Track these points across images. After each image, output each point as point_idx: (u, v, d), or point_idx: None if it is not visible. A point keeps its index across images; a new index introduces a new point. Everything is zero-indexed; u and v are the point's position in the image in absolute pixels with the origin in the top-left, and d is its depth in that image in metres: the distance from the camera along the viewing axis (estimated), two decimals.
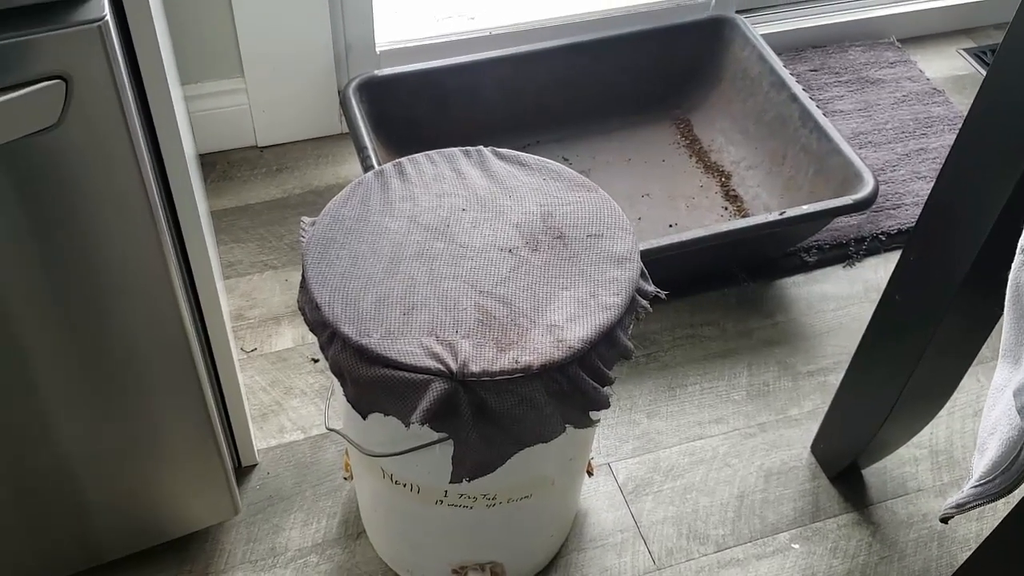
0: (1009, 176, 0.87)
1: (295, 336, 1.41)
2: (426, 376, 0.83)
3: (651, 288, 0.97)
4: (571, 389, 0.87)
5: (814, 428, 1.33)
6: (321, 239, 0.95)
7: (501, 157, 1.05)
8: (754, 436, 1.34)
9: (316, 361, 1.38)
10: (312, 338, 1.40)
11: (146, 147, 0.81)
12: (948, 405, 1.37)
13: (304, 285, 0.92)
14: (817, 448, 1.31)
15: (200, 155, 1.65)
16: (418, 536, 1.09)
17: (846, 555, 1.21)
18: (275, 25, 1.54)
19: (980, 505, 0.77)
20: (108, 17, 0.68)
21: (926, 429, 1.33)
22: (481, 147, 1.05)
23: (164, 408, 0.98)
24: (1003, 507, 1.24)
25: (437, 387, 0.83)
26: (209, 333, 1.06)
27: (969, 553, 1.22)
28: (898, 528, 1.24)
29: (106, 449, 0.99)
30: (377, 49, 1.67)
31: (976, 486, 0.77)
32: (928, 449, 1.33)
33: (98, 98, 0.71)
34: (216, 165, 1.65)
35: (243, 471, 1.25)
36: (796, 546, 1.22)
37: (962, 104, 1.86)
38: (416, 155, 1.04)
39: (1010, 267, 0.75)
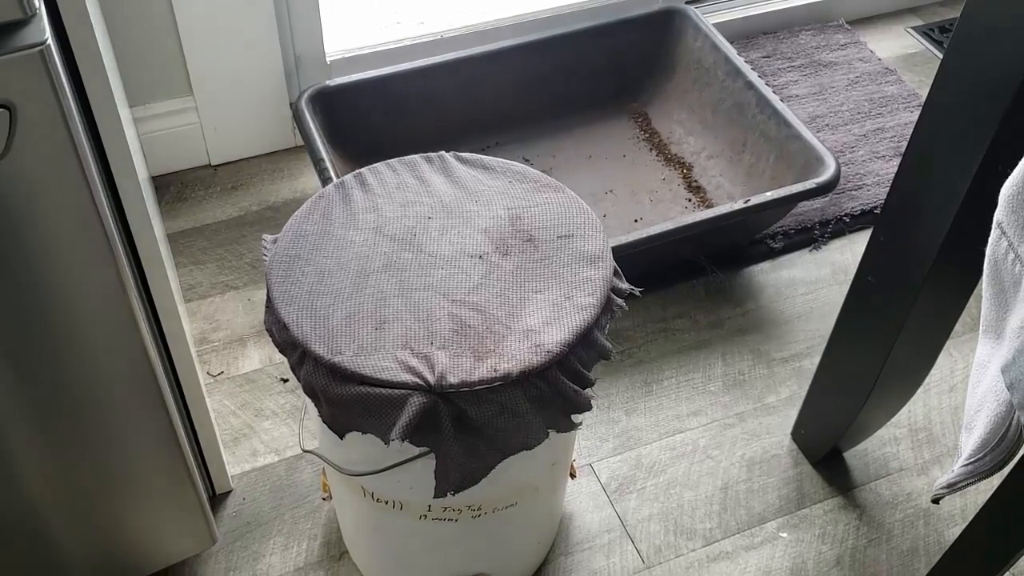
0: (973, 153, 0.87)
1: (262, 357, 1.38)
2: (403, 391, 0.81)
3: (625, 286, 0.95)
4: (552, 394, 0.85)
5: (793, 414, 1.33)
6: (285, 256, 0.92)
7: (464, 161, 1.03)
8: (733, 426, 1.33)
9: (286, 381, 1.35)
10: (280, 358, 1.37)
11: (98, 173, 0.78)
12: (923, 382, 1.38)
13: (270, 305, 0.89)
14: (798, 434, 1.31)
15: (153, 177, 1.61)
16: (403, 552, 1.07)
17: (834, 540, 1.21)
18: (222, 41, 1.51)
19: (972, 483, 0.77)
20: (50, 41, 0.65)
21: (903, 408, 1.33)
22: (443, 152, 1.03)
23: (132, 440, 0.95)
24: (986, 483, 1.24)
25: (415, 401, 0.80)
26: (174, 359, 1.03)
27: (955, 529, 1.22)
28: (884, 509, 1.24)
29: (75, 488, 0.95)
30: (327, 59, 1.64)
31: (966, 464, 0.76)
32: (907, 428, 1.33)
33: (45, 126, 0.68)
34: (170, 186, 1.61)
35: (218, 499, 1.22)
36: (784, 534, 1.21)
37: (914, 82, 1.88)
38: (377, 164, 1.02)
39: (982, 242, 0.74)
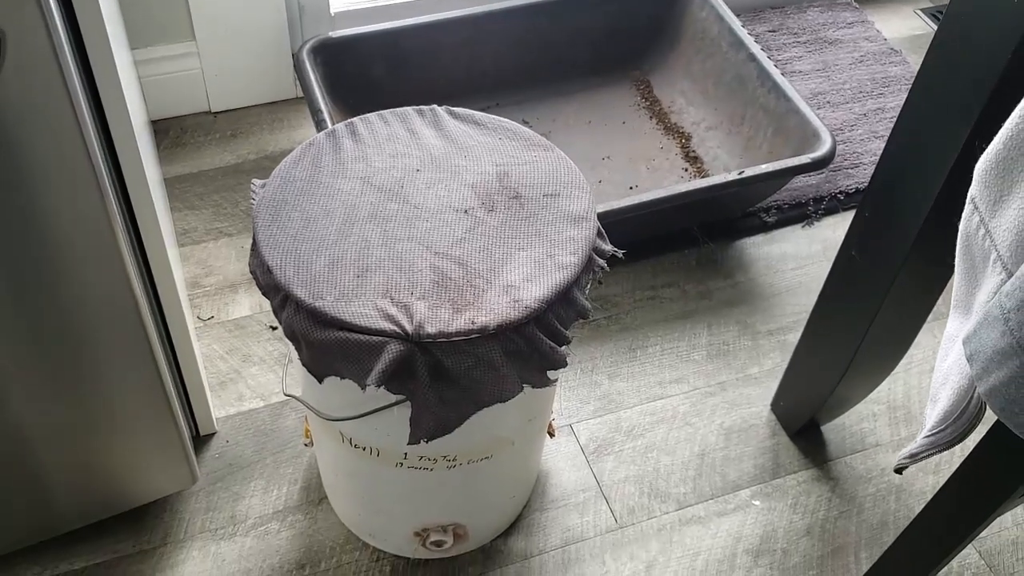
0: (959, 131, 0.88)
1: (252, 304, 1.39)
2: (381, 338, 0.82)
3: (608, 247, 0.96)
4: (528, 349, 0.86)
5: (774, 386, 1.34)
6: (272, 201, 0.93)
7: (456, 116, 1.04)
8: (714, 395, 1.34)
9: (274, 328, 1.37)
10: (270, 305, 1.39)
11: (89, 109, 0.79)
12: (905, 361, 1.39)
13: (255, 248, 0.90)
14: (777, 406, 1.32)
15: (152, 121, 1.62)
16: (379, 500, 1.09)
17: (806, 510, 1.23)
18: None
19: (933, 454, 0.78)
20: None
21: (883, 385, 1.35)
22: (435, 106, 1.04)
23: (118, 378, 0.97)
24: (958, 460, 1.26)
25: (393, 349, 0.82)
26: (162, 301, 1.05)
27: None
28: (857, 483, 1.26)
29: (59, 422, 0.97)
30: (331, 11, 1.64)
31: (929, 435, 0.78)
32: (886, 405, 1.35)
33: (34, 55, 0.69)
34: (169, 131, 1.62)
35: (202, 440, 1.24)
36: (757, 502, 1.23)
37: (919, 64, 1.87)
38: (368, 115, 1.02)
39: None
